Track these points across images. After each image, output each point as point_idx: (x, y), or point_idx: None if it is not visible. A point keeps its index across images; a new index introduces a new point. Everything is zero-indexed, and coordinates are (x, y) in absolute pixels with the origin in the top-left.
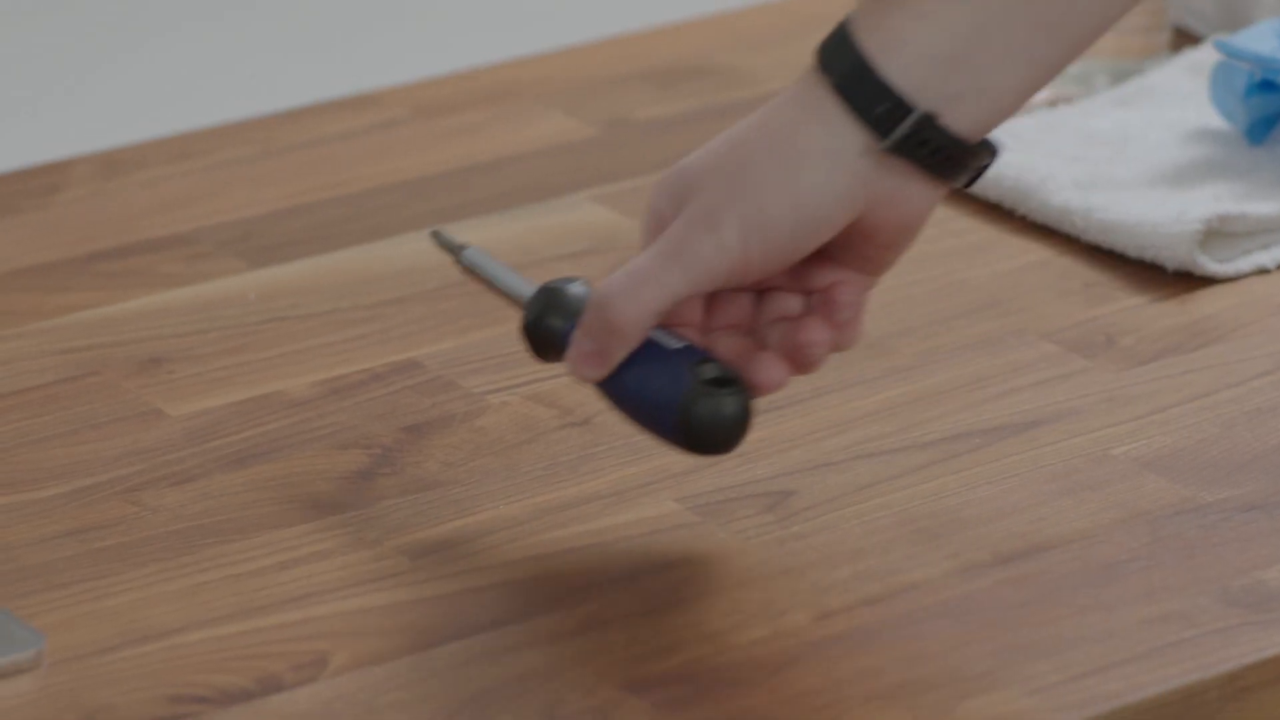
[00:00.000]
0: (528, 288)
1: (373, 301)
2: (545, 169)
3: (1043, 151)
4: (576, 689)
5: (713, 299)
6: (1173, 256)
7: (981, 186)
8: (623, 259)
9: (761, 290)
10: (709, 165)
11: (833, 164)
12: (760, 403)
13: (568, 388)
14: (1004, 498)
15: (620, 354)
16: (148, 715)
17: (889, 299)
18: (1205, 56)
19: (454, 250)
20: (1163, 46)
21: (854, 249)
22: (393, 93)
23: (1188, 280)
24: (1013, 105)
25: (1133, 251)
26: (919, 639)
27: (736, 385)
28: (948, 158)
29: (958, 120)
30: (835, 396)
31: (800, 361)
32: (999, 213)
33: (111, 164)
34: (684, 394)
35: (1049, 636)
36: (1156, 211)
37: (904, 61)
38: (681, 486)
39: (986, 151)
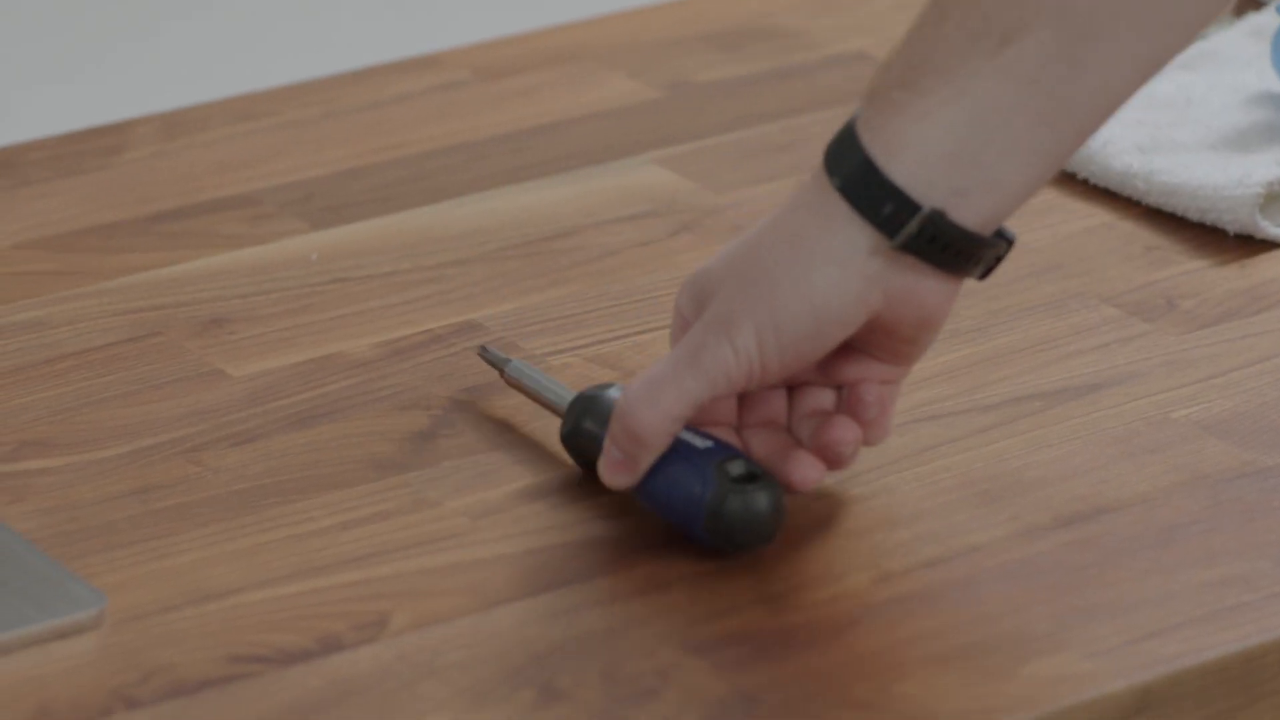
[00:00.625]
0: (570, 397)
1: (434, 263)
2: (607, 131)
3: None
4: (637, 650)
5: (746, 396)
6: (1234, 220)
7: None
8: (683, 221)
9: (794, 385)
10: (725, 270)
11: (844, 266)
12: None
13: (631, 350)
14: (1065, 461)
15: (647, 460)
16: (208, 674)
17: None
18: (1268, 21)
19: (499, 364)
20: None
21: (878, 343)
22: (454, 54)
23: (1249, 244)
24: (1021, 196)
25: (1194, 215)
26: (979, 601)
27: (765, 479)
28: (959, 252)
29: (966, 215)
30: None
31: (830, 459)
32: (1061, 176)
33: (174, 124)
34: (712, 493)
35: (1109, 599)
36: (1218, 175)
37: (908, 161)
38: None
39: (1000, 242)
